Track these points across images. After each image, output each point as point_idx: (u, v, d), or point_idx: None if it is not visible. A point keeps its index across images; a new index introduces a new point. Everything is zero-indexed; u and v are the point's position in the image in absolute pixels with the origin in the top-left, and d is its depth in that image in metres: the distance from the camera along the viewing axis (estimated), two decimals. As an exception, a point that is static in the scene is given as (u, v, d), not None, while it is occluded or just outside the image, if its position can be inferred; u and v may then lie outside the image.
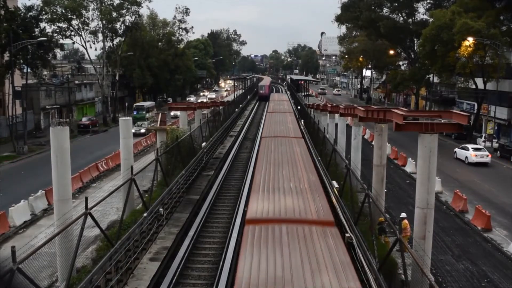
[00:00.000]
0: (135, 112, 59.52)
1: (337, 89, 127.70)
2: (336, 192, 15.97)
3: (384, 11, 64.70)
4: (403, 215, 17.67)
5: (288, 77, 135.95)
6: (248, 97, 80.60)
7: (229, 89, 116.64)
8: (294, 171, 14.36)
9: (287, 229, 9.32)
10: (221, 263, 13.83)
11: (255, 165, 16.81)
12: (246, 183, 22.56)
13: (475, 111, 48.80)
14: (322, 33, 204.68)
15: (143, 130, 49.11)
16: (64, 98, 55.99)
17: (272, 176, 13.63)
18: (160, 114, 30.54)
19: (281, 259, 7.95)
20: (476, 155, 36.25)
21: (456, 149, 38.97)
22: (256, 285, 7.06)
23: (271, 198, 11.41)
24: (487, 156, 36.47)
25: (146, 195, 16.77)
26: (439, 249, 19.29)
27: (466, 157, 37.05)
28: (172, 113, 56.09)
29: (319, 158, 22.42)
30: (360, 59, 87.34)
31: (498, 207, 25.58)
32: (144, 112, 60.26)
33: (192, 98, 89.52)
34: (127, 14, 62.76)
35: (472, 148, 37.27)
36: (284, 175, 13.73)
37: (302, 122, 38.57)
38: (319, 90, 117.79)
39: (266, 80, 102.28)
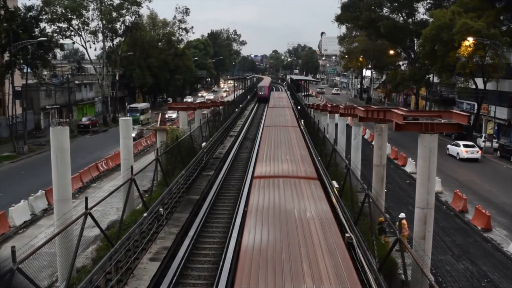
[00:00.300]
0: (128, 114, 56.23)
1: (336, 88, 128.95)
2: (336, 192, 15.97)
3: (384, 11, 64.71)
4: (402, 215, 17.69)
5: (288, 77, 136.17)
6: (248, 97, 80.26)
7: (228, 89, 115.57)
8: (290, 148, 18.85)
9: (283, 181, 13.27)
10: (221, 263, 13.83)
11: (259, 145, 21.58)
12: (246, 183, 22.57)
13: (475, 111, 48.79)
14: (322, 33, 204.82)
15: (132, 135, 46.60)
16: (64, 98, 55.98)
17: (272, 151, 17.91)
18: (160, 114, 30.53)
19: (278, 194, 12.06)
20: (466, 151, 37.83)
21: (448, 146, 40.23)
22: (262, 206, 11.07)
23: (271, 164, 15.66)
24: (477, 152, 38.08)
25: (146, 195, 16.76)
26: (439, 249, 19.29)
27: (458, 153, 38.38)
28: (166, 116, 54.55)
29: (319, 158, 22.42)
30: (360, 59, 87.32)
31: (498, 207, 25.57)
32: (138, 114, 57.36)
33: (189, 99, 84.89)
34: (127, 14, 62.83)
35: (463, 144, 38.63)
36: (281, 150, 18.05)
37: (302, 122, 38.58)
38: (318, 89, 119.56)
39: (266, 81, 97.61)
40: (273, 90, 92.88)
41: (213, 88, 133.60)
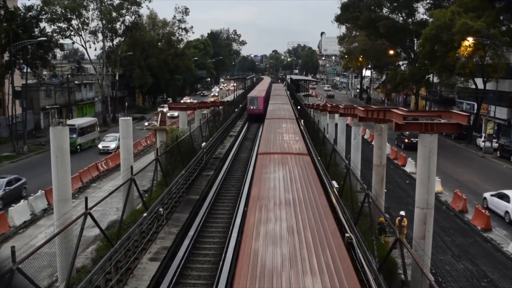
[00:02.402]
0: None
1: (327, 86, 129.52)
2: (336, 192, 15.97)
3: (384, 11, 64.63)
4: (402, 213, 17.71)
5: (288, 77, 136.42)
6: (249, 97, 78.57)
7: (217, 94, 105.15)
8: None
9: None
10: (221, 263, 13.85)
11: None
12: (246, 182, 22.59)
13: (475, 111, 48.78)
14: (322, 33, 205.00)
15: None
16: (64, 98, 55.98)
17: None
18: (160, 114, 30.55)
19: None
20: None
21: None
22: None
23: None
24: None
25: (146, 195, 16.77)
26: (439, 249, 19.27)
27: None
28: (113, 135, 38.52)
29: (319, 158, 22.42)
30: (360, 59, 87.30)
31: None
32: (74, 136, 37.06)
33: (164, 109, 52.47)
34: (127, 14, 62.77)
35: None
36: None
37: (302, 122, 38.56)
38: (310, 86, 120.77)
39: (263, 85, 79.70)
40: (274, 85, 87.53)
41: (211, 89, 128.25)
